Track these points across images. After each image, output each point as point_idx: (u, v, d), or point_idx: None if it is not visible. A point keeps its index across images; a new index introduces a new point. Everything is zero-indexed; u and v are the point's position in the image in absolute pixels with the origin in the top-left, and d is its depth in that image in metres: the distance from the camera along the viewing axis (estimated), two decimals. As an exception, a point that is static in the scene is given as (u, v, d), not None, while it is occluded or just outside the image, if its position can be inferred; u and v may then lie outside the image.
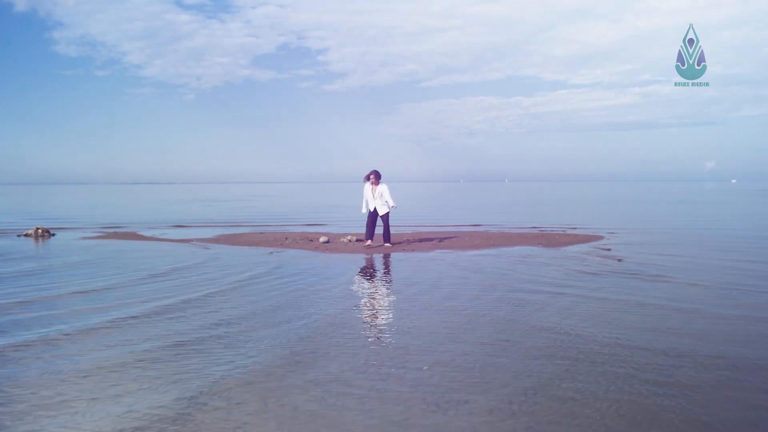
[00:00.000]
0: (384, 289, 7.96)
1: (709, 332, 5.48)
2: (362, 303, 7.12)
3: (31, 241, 14.42)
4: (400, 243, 13.17)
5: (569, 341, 5.19)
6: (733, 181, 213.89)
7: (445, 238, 14.13)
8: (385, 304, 7.01)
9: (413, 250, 11.99)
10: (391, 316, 6.35)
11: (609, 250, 11.76)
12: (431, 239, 14.01)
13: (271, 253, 11.64)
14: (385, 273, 9.41)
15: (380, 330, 5.69)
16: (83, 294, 7.51)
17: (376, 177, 12.44)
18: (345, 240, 13.43)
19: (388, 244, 12.43)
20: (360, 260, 10.74)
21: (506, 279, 8.48)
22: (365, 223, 12.82)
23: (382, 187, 12.47)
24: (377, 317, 6.29)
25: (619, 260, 10.23)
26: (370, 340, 5.33)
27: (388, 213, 12.57)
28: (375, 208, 12.55)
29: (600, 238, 14.26)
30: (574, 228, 17.22)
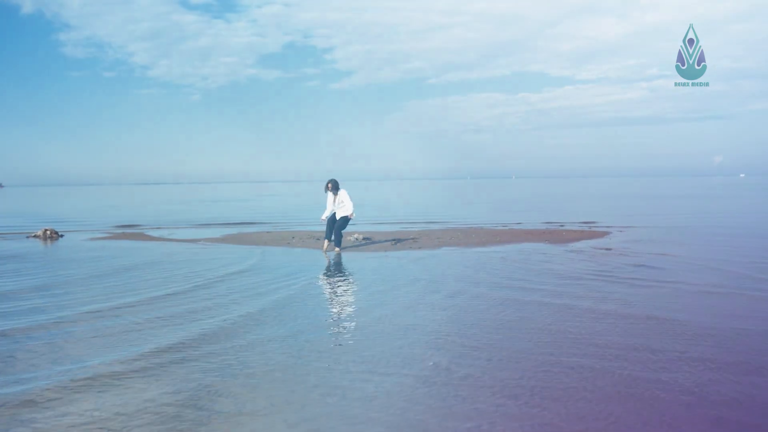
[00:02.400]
0: (375, 287, 7.94)
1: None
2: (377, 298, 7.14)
3: (39, 242, 14.52)
4: (406, 240, 13.19)
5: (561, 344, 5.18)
6: (742, 175, 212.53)
7: (452, 236, 14.12)
8: (364, 304, 6.99)
9: (420, 248, 11.99)
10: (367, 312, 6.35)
11: (610, 249, 11.72)
12: (438, 236, 13.99)
13: (285, 244, 11.70)
14: (382, 271, 9.36)
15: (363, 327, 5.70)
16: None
17: (333, 186, 12.16)
18: (352, 238, 13.44)
19: (337, 249, 11.92)
20: (373, 259, 10.74)
21: (509, 278, 8.48)
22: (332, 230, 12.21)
23: (342, 194, 12.11)
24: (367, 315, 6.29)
25: (623, 254, 10.22)
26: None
27: (344, 217, 12.05)
28: (334, 214, 12.17)
29: (607, 234, 14.23)
30: (582, 224, 17.17)
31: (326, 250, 11.89)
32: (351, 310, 6.64)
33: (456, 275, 8.61)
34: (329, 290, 7.87)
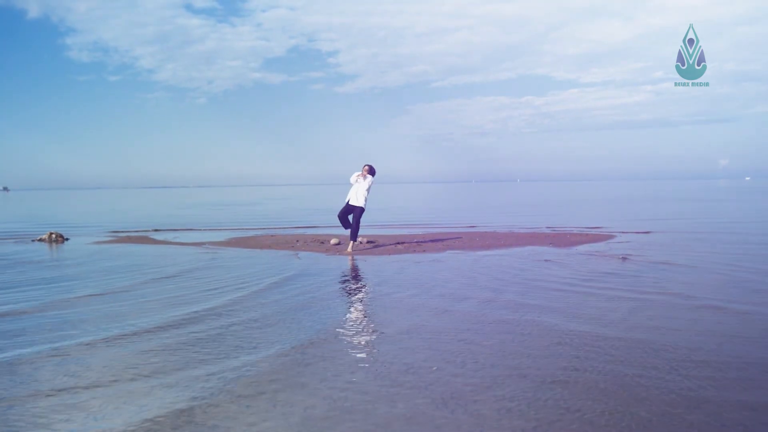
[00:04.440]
0: (385, 294, 7.93)
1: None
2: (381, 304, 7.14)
3: (45, 246, 14.57)
4: (410, 243, 13.18)
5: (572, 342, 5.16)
6: (747, 178, 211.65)
7: (457, 239, 14.12)
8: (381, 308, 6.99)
9: (424, 251, 11.98)
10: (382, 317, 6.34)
11: (611, 254, 11.67)
12: (443, 240, 14.00)
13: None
14: (398, 275, 9.34)
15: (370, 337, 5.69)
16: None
17: (369, 170, 12.13)
18: (356, 242, 13.43)
19: (351, 242, 12.11)
20: (374, 262, 10.74)
21: (514, 281, 8.47)
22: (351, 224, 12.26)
23: (368, 180, 12.11)
24: (374, 321, 6.29)
25: (624, 258, 10.19)
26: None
27: (361, 208, 12.13)
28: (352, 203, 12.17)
29: (611, 238, 14.18)
30: (587, 228, 17.12)
31: (351, 251, 11.88)
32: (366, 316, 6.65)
33: (461, 281, 8.61)
34: (338, 296, 7.86)
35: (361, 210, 12.15)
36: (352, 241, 12.23)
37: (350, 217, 12.27)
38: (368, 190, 12.16)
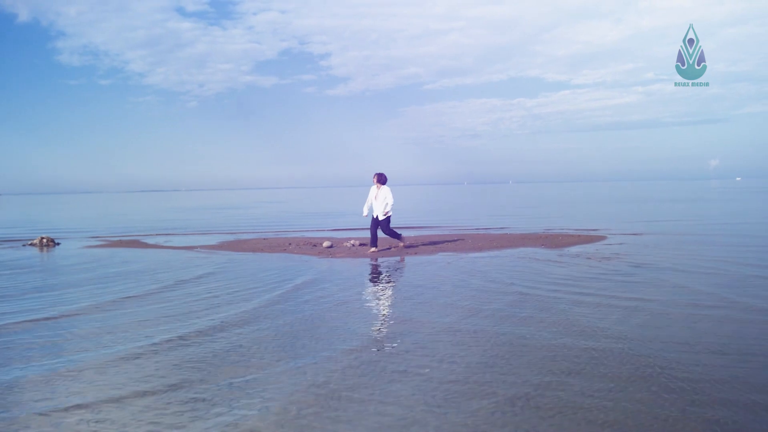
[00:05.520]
0: (386, 294, 7.95)
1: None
2: (376, 306, 7.14)
3: (36, 250, 14.47)
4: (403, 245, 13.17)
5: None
6: (738, 179, 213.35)
7: (449, 241, 14.13)
8: (387, 308, 7.00)
9: (416, 253, 11.99)
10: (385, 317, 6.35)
11: (604, 256, 11.72)
12: (436, 242, 14.00)
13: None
14: (386, 277, 9.38)
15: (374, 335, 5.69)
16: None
17: (378, 179, 12.44)
18: (348, 245, 13.45)
19: (401, 244, 12.78)
20: (367, 264, 10.75)
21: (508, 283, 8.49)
22: (369, 229, 12.80)
23: (385, 190, 12.42)
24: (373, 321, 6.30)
25: (608, 258, 10.25)
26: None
27: (387, 217, 12.49)
28: (377, 215, 12.53)
29: (603, 238, 14.24)
30: (579, 229, 17.18)
31: (372, 253, 12.12)
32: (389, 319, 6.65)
33: (451, 282, 8.62)
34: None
35: (386, 221, 12.47)
36: (401, 243, 12.80)
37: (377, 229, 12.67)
38: (387, 197, 12.45)
